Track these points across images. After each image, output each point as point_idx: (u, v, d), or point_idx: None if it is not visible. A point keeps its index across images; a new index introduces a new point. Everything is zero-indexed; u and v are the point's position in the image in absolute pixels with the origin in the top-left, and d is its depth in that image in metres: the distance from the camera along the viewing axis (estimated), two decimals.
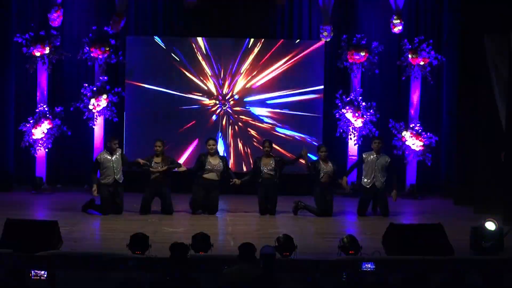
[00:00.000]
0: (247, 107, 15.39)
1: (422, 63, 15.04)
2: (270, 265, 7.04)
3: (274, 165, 12.61)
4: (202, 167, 12.50)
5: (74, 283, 8.02)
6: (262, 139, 13.91)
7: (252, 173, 12.79)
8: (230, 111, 15.37)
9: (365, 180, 12.67)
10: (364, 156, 12.80)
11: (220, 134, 15.22)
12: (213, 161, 12.55)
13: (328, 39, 15.24)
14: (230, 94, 15.37)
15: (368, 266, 8.29)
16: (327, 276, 7.91)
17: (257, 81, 15.36)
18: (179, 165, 12.82)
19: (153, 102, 15.29)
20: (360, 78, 15.35)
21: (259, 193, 12.61)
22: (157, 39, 15.36)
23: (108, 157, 12.38)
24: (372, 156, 12.69)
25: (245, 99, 15.39)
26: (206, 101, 15.35)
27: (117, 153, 12.44)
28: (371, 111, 15.04)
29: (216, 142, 13.02)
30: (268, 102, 15.39)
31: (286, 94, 15.37)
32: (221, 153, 13.85)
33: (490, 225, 9.48)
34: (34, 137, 14.64)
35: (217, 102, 15.37)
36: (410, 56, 15.05)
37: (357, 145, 15.18)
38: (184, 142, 15.18)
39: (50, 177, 15.13)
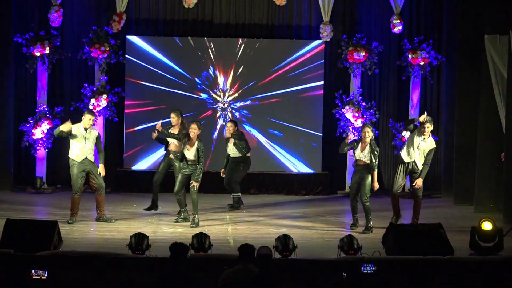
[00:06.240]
0: (246, 107, 15.38)
1: (422, 63, 15.02)
2: (267, 265, 7.05)
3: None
4: None
5: (74, 283, 8.01)
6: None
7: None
8: (229, 110, 15.36)
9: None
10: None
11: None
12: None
13: (328, 39, 15.24)
14: (229, 94, 15.36)
15: (368, 266, 8.28)
16: (327, 276, 7.91)
17: (257, 81, 15.34)
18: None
19: (153, 102, 15.28)
20: (360, 78, 15.33)
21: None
22: (157, 39, 15.36)
23: (83, 132, 11.58)
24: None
25: (244, 99, 15.38)
26: (206, 100, 15.34)
27: (92, 132, 11.63)
28: (371, 111, 15.03)
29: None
30: (268, 102, 15.37)
31: (286, 94, 15.36)
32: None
33: (489, 225, 9.49)
34: (34, 137, 14.63)
35: (217, 102, 15.36)
36: (410, 56, 15.03)
37: None
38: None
39: (50, 177, 15.11)
